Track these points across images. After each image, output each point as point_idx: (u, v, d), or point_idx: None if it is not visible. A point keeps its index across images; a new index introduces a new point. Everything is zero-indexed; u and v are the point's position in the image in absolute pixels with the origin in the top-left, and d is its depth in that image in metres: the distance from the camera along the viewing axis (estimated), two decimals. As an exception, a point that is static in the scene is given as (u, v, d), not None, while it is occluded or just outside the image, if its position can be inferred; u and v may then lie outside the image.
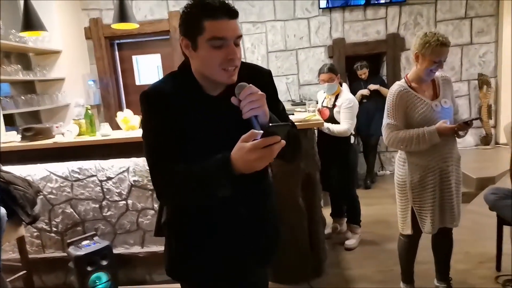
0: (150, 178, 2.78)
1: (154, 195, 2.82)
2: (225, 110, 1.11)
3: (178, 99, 1.15)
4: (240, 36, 1.11)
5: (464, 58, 5.01)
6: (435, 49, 1.98)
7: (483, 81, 4.89)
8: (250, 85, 1.06)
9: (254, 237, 1.27)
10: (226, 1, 1.09)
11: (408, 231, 2.23)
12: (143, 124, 1.20)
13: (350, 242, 3.21)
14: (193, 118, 1.15)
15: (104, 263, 2.58)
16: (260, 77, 1.25)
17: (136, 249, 2.90)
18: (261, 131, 0.98)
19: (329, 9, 4.95)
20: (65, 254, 2.77)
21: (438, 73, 2.15)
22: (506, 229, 2.50)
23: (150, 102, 1.17)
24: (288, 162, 1.27)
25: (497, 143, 5.02)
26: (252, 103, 1.03)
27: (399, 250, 2.38)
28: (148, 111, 1.18)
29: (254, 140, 0.97)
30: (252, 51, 5.08)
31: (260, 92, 1.05)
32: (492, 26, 4.91)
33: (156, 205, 2.79)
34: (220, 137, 1.10)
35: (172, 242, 1.30)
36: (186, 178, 1.08)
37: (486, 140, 5.00)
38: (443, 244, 2.34)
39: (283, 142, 0.98)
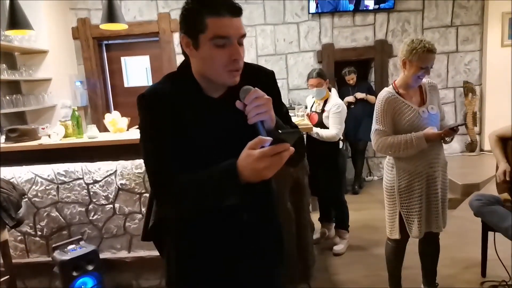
0: (137, 182, 2.77)
1: (142, 199, 2.80)
2: (226, 113, 1.06)
3: (177, 101, 1.09)
4: (244, 35, 1.05)
5: (450, 66, 5.10)
6: (422, 56, 2.02)
7: (468, 88, 4.99)
8: (256, 88, 1.00)
9: (256, 241, 1.23)
10: None
11: (396, 235, 2.25)
12: (141, 129, 1.14)
13: (338, 248, 3.23)
14: (193, 121, 1.09)
15: (90, 268, 2.54)
16: (263, 78, 1.19)
17: (123, 253, 2.85)
18: (270, 138, 0.92)
19: (318, 14, 4.99)
20: (50, 258, 2.71)
21: (425, 80, 2.19)
22: (490, 235, 2.55)
23: (147, 105, 1.10)
24: (292, 166, 1.24)
25: (482, 150, 5.12)
26: (258, 108, 0.98)
27: (386, 255, 2.40)
28: (145, 114, 1.11)
29: (262, 147, 0.92)
30: (242, 55, 5.08)
31: (266, 96, 1.00)
32: (477, 34, 5.02)
33: (143, 209, 2.76)
34: (222, 141, 1.05)
35: (170, 248, 1.26)
36: (190, 187, 1.03)
37: (471, 146, 5.09)
38: (430, 249, 2.37)
39: (292, 149, 0.93)
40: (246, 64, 1.13)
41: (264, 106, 0.98)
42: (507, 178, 2.38)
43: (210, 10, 1.00)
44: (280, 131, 0.95)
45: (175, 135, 1.08)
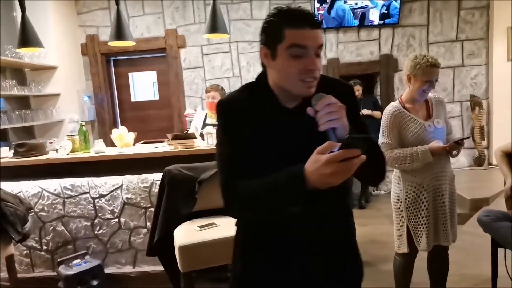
0: (143, 196, 2.78)
1: (147, 213, 2.80)
2: (300, 123, 1.05)
3: (251, 109, 1.12)
4: (321, 46, 1.05)
5: (456, 80, 5.10)
6: (426, 70, 2.06)
7: (475, 102, 4.97)
8: (329, 95, 0.99)
9: (328, 273, 1.18)
10: (309, 11, 1.06)
11: (404, 249, 2.23)
12: (217, 134, 1.19)
13: (345, 263, 3.17)
14: (267, 130, 1.10)
15: (95, 283, 2.53)
16: (340, 90, 1.15)
17: (128, 268, 2.84)
18: (339, 143, 0.89)
19: (323, 29, 5.03)
20: (54, 273, 2.71)
21: (431, 94, 2.21)
22: (501, 251, 2.50)
23: (224, 112, 1.15)
24: (369, 185, 1.19)
25: (490, 164, 5.06)
26: (329, 115, 0.96)
27: (395, 270, 2.36)
28: (222, 121, 1.16)
29: (331, 152, 0.89)
30: (247, 70, 5.13)
31: (339, 104, 0.98)
32: (482, 49, 5.02)
33: (149, 224, 2.75)
34: (294, 151, 1.02)
35: (237, 262, 1.25)
36: (256, 190, 1.04)
37: (479, 161, 5.04)
38: (439, 264, 2.33)
39: (363, 157, 0.88)
40: (324, 76, 1.15)
41: (336, 113, 0.97)
42: (516, 194, 2.34)
43: (289, 22, 1.03)
44: (349, 135, 0.91)
45: (246, 142, 1.10)
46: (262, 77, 1.17)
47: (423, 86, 2.09)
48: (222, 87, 3.62)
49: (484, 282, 2.67)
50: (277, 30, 1.04)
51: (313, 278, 1.17)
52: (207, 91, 3.56)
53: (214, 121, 3.56)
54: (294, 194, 0.96)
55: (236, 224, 1.26)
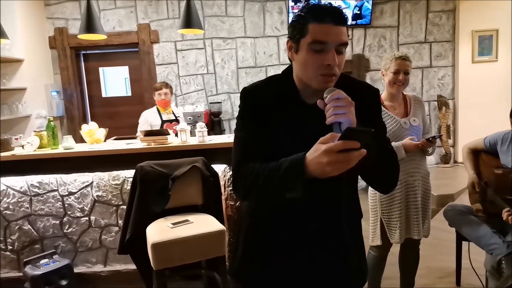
0: (114, 193, 2.72)
1: (119, 211, 2.74)
2: (317, 120, 1.06)
3: (272, 100, 1.15)
4: (344, 44, 1.06)
5: (425, 80, 5.27)
6: (396, 61, 2.19)
7: (442, 102, 5.15)
8: (339, 90, 1.01)
9: (324, 261, 1.19)
10: (338, 8, 1.07)
11: (378, 241, 2.29)
12: (237, 120, 1.22)
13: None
14: (283, 123, 1.13)
15: (64, 283, 2.46)
16: (367, 94, 1.20)
17: (99, 267, 2.78)
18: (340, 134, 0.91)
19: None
20: (21, 274, 2.61)
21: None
22: (465, 244, 2.61)
23: (246, 99, 1.19)
24: (379, 190, 1.21)
25: (455, 161, 5.27)
26: (337, 108, 0.97)
27: (368, 263, 2.41)
28: (242, 108, 1.20)
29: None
30: (222, 67, 5.11)
31: (349, 99, 0.99)
32: (449, 51, 5.21)
33: (120, 222, 2.70)
34: (307, 146, 1.01)
35: (238, 244, 1.29)
36: (260, 172, 1.07)
37: (445, 158, 5.24)
38: (410, 257, 2.41)
39: (363, 151, 0.89)
40: (351, 78, 1.19)
41: (343, 108, 0.98)
42: (477, 189, 2.46)
43: (314, 17, 1.05)
44: (348, 127, 0.91)
45: (262, 131, 1.14)
46: (288, 71, 1.20)
47: (393, 78, 2.19)
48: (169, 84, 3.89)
49: (449, 275, 2.78)
50: (302, 25, 1.07)
51: (316, 263, 1.20)
52: (158, 89, 3.78)
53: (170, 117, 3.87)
54: (293, 180, 0.98)
55: (243, 210, 1.29)
